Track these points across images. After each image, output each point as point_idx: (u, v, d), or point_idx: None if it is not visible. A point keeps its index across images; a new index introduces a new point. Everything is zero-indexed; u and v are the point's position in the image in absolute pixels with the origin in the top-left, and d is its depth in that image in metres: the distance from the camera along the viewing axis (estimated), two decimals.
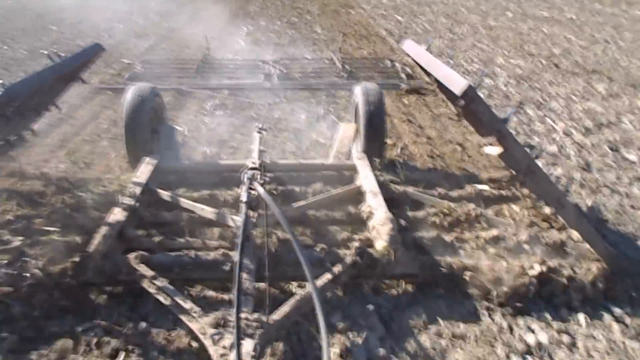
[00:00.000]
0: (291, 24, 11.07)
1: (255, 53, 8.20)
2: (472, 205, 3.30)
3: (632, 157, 4.54)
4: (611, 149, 4.76)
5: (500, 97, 6.20)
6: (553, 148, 4.78)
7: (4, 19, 10.02)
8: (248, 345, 1.98)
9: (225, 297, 2.57)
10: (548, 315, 2.58)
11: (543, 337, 2.42)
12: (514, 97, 6.26)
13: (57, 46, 8.05)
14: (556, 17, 11.87)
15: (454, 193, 3.49)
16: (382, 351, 2.29)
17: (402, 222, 3.09)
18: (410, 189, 3.49)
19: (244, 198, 2.46)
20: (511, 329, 2.49)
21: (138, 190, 3.18)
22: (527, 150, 2.83)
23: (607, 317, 2.58)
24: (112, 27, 9.85)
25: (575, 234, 2.94)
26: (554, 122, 5.32)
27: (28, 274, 2.45)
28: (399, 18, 11.82)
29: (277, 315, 2.21)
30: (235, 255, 2.49)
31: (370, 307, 2.58)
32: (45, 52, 3.35)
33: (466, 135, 4.98)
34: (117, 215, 2.89)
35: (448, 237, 2.97)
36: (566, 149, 4.80)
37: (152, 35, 9.55)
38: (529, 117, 5.40)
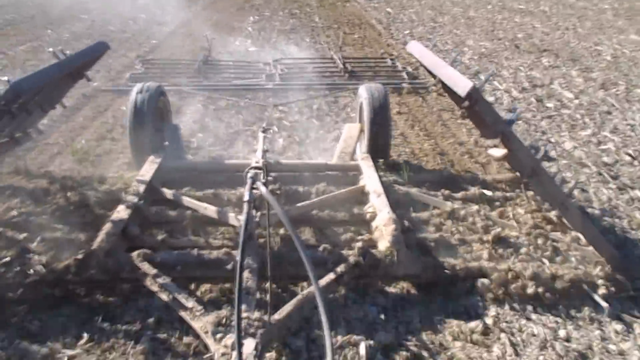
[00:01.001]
0: (292, 15, 12.42)
1: (262, 37, 9.69)
2: (476, 207, 3.29)
3: (550, 105, 6.10)
4: (536, 100, 6.22)
5: (462, 68, 7.51)
6: (491, 99, 6.27)
7: (38, 10, 11.23)
8: (249, 344, 1.98)
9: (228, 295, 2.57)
10: None
11: None
12: (473, 67, 7.64)
13: (90, 31, 9.74)
14: (531, 9, 13.13)
15: (458, 194, 3.48)
16: None
17: (406, 222, 3.08)
18: (413, 190, 3.48)
19: (246, 197, 2.46)
20: None
21: (142, 188, 3.19)
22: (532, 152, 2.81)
23: None
24: (136, 17, 11.06)
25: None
26: (499, 84, 6.85)
27: (31, 271, 2.46)
28: (389, 10, 13.14)
29: (279, 314, 2.21)
30: (237, 254, 2.50)
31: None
32: (51, 50, 3.35)
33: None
34: (120, 213, 2.90)
35: (451, 239, 2.96)
36: (502, 99, 6.33)
37: (171, 23, 10.72)
38: (482, 85, 6.32)
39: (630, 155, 4.63)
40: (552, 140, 4.98)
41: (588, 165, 4.41)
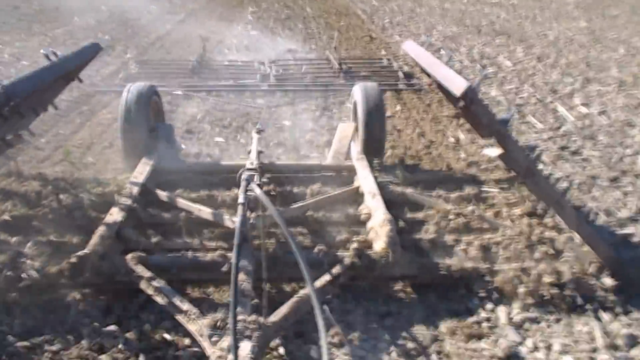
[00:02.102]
0: (287, 6, 14.10)
1: (260, 24, 11.32)
2: (471, 207, 3.29)
3: (490, 70, 7.59)
4: (481, 66, 7.77)
5: (427, 46, 7.94)
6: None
7: (59, 2, 12.35)
8: (245, 347, 1.97)
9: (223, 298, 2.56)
10: None
11: None
12: (437, 45, 8.99)
13: (112, 18, 11.29)
14: (502, 2, 14.65)
15: (454, 194, 3.48)
16: None
17: (401, 223, 3.08)
18: (409, 190, 3.48)
19: (241, 199, 2.45)
20: None
21: (136, 190, 3.17)
22: (527, 151, 2.82)
23: None
24: (148, 8, 12.57)
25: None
26: (455, 56, 8.22)
27: (25, 275, 2.43)
28: (374, 3, 14.74)
29: (275, 317, 2.19)
30: (232, 256, 2.48)
31: None
32: (43, 52, 3.32)
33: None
34: (114, 215, 2.88)
35: (447, 239, 2.96)
36: (455, 66, 7.24)
37: (180, 12, 12.53)
38: (440, 55, 7.58)
39: (536, 97, 6.31)
40: (483, 91, 6.27)
41: (503, 104, 6.04)
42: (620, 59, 8.19)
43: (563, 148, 4.81)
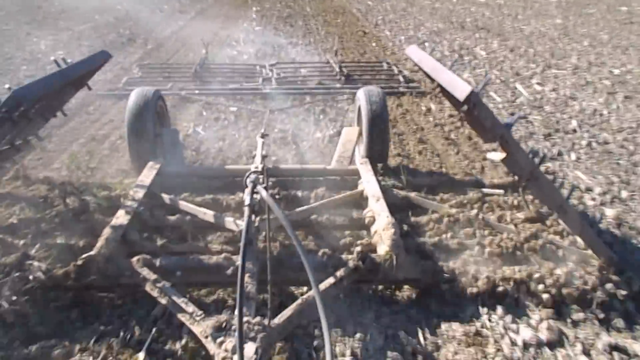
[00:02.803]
0: (288, 6, 15.53)
1: (264, 21, 12.50)
2: (474, 211, 3.30)
3: (466, 58, 8.67)
4: (458, 56, 8.79)
5: (414, 40, 10.19)
6: (427, 50, 7.62)
7: (79, 2, 13.59)
8: (250, 348, 1.98)
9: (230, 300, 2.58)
10: None
11: None
12: (422, 38, 10.35)
13: (129, 16, 12.43)
14: (489, 2, 15.87)
15: (457, 198, 3.49)
16: None
17: (405, 227, 3.09)
18: (412, 194, 3.49)
19: (247, 202, 2.47)
20: None
21: (141, 194, 3.20)
22: (531, 156, 2.83)
23: None
24: (161, 7, 13.95)
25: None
26: (438, 48, 9.40)
27: (32, 277, 2.46)
28: (369, 2, 16.23)
29: (279, 319, 2.21)
30: (238, 259, 2.50)
31: None
32: (53, 58, 3.37)
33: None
34: (120, 219, 2.90)
35: (450, 243, 2.97)
36: (437, 55, 8.65)
37: (190, 11, 13.75)
38: (424, 47, 9.28)
39: (501, 79, 7.42)
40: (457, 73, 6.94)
41: (472, 84, 6.58)
42: (582, 49, 9.27)
43: (513, 114, 5.88)
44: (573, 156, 4.75)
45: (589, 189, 4.12)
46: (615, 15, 12.79)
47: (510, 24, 12.04)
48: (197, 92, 6.44)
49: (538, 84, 7.08)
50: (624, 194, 4.01)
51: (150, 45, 9.62)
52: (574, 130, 5.38)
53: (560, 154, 4.80)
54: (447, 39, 10.32)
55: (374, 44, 10.05)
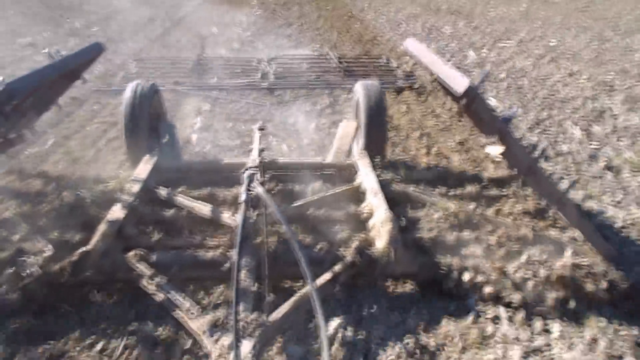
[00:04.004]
0: None
1: (264, 7, 13.81)
2: (472, 205, 3.28)
3: (432, 34, 10.18)
4: (428, 33, 10.41)
5: (393, 22, 11.93)
6: (399, 32, 10.43)
7: None
8: (247, 345, 1.97)
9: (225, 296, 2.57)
10: None
11: None
12: (400, 20, 12.00)
13: (145, 2, 13.20)
14: None
15: (455, 192, 3.47)
16: None
17: (403, 221, 3.07)
18: (410, 188, 3.47)
19: (243, 197, 2.45)
20: None
21: (137, 188, 3.17)
22: (529, 149, 2.82)
23: None
24: None
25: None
26: (410, 27, 11.00)
27: (27, 272, 2.44)
28: None
29: (276, 315, 2.20)
30: (234, 254, 2.49)
31: None
32: (46, 51, 3.33)
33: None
34: (116, 213, 2.88)
35: (448, 237, 2.95)
36: (408, 31, 10.44)
37: None
38: (404, 28, 11.00)
39: (457, 48, 8.95)
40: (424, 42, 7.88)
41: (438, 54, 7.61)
42: (533, 28, 10.85)
43: (459, 68, 6.53)
44: (494, 92, 6.43)
45: (496, 107, 5.41)
46: (576, 3, 14.13)
47: (480, 9, 13.61)
48: (193, 87, 6.39)
49: (486, 51, 8.81)
50: (520, 111, 5.75)
51: (169, 23, 11.31)
52: (502, 80, 7.08)
53: (484, 92, 5.93)
54: (421, 21, 11.92)
55: (358, 24, 11.60)
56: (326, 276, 2.48)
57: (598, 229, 3.07)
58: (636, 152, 4.63)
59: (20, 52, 7.92)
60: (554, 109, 5.87)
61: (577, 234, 2.93)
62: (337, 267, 2.54)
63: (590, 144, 4.85)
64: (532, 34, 10.16)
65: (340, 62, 7.21)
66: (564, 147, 4.77)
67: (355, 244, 2.69)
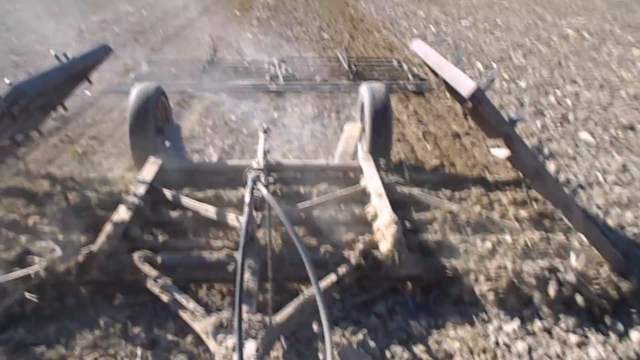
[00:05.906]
0: None
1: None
2: (478, 208, 3.27)
3: (409, 16, 12.95)
4: (406, 16, 12.79)
5: (380, 7, 14.42)
6: (388, 15, 13.07)
7: None
8: (250, 346, 1.97)
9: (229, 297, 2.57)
10: None
11: None
12: (385, 6, 14.53)
13: (160, 2, 14.11)
14: None
15: (460, 195, 3.46)
16: None
17: (407, 223, 3.07)
18: (415, 191, 3.47)
19: (247, 199, 2.45)
20: None
21: (143, 189, 3.19)
22: (536, 153, 2.81)
23: None
24: None
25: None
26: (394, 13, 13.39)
27: (33, 273, 2.45)
28: None
29: (280, 316, 2.20)
30: (238, 256, 2.49)
31: None
32: (53, 53, 3.34)
33: None
34: (122, 214, 2.89)
35: (453, 239, 2.94)
36: (389, 15, 13.13)
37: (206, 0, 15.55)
38: (388, 13, 13.58)
39: (432, 25, 11.34)
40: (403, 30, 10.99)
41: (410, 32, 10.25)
42: (489, 12, 13.16)
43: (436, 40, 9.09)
44: (438, 47, 7.71)
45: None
46: None
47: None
48: (203, 89, 6.41)
49: (445, 26, 11.33)
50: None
51: (195, 14, 12.79)
52: (448, 44, 9.49)
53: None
54: (403, 7, 14.43)
55: (352, 11, 13.87)
56: (331, 278, 2.48)
57: (604, 234, 3.06)
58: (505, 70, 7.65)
59: (96, 26, 10.57)
60: (462, 58, 7.20)
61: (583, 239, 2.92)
62: (342, 269, 2.54)
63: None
64: (486, 16, 12.90)
65: (350, 65, 7.20)
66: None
67: (359, 246, 2.68)
